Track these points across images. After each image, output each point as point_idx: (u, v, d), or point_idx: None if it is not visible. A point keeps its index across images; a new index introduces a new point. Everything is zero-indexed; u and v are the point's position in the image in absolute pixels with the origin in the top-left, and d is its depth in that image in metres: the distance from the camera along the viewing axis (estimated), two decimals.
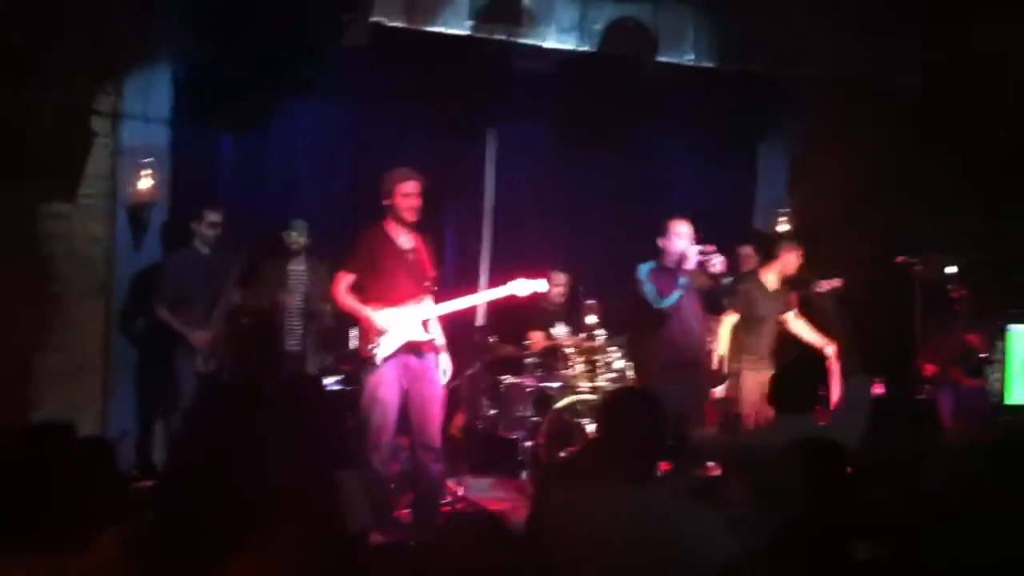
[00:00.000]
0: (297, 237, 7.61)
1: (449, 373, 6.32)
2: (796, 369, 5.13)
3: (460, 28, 7.96)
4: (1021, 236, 8.09)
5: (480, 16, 7.97)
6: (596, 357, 7.63)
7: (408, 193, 6.08)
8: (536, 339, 8.12)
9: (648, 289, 6.69)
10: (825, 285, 8.04)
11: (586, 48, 8.37)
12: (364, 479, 5.20)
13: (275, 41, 7.29)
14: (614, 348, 7.69)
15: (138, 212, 7.39)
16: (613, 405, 3.59)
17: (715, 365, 7.31)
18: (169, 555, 2.99)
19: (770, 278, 7.48)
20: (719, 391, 7.31)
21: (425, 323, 6.11)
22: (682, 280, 6.57)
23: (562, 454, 7.37)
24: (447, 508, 6.76)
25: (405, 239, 6.14)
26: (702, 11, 8.66)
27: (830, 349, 7.29)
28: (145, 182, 7.35)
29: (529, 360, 7.90)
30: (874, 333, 8.24)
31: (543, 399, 7.81)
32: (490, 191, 8.93)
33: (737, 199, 9.68)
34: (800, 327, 7.48)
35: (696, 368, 6.89)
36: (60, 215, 7.14)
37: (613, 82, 8.40)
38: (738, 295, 7.35)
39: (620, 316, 7.46)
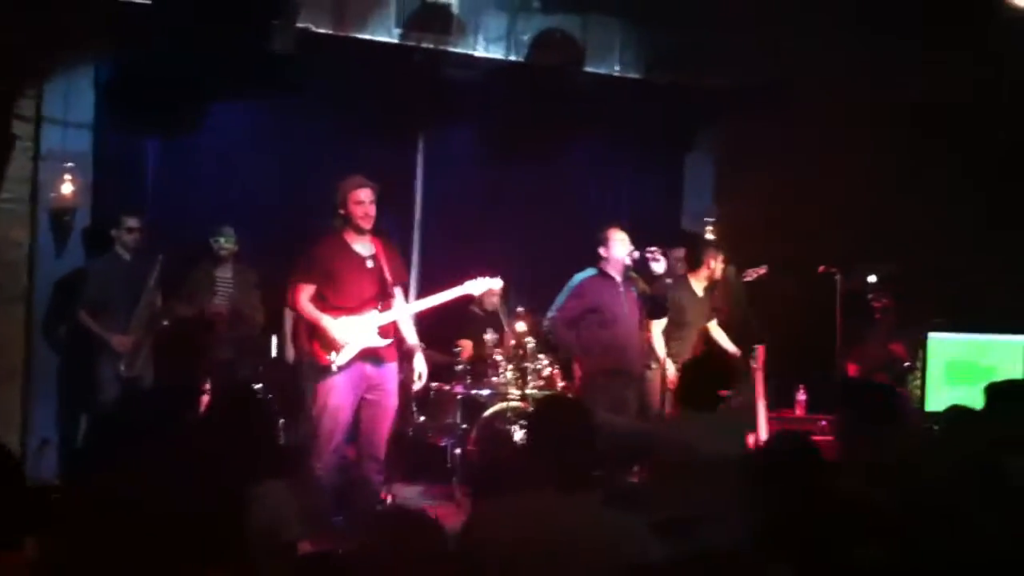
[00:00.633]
0: (225, 244, 7.53)
1: (425, 375, 6.35)
2: (702, 367, 5.18)
3: (388, 36, 7.95)
4: (944, 245, 8.31)
5: (408, 24, 7.96)
6: (526, 364, 7.65)
7: (361, 200, 6.08)
8: (466, 346, 8.11)
9: (554, 304, 6.84)
10: (752, 273, 8.17)
11: (514, 58, 8.40)
12: (299, 487, 5.16)
13: (201, 46, 7.20)
14: (543, 356, 7.72)
15: (60, 217, 7.29)
16: (542, 413, 3.59)
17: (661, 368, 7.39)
18: (90, 563, 2.93)
19: (697, 284, 7.60)
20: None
21: (384, 329, 6.08)
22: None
23: (492, 461, 7.38)
24: None
25: (363, 246, 6.13)
26: (629, 23, 8.75)
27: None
28: (67, 187, 7.26)
29: (459, 367, 7.89)
30: (796, 339, 8.38)
31: (473, 406, 7.80)
32: (419, 199, 8.91)
33: (664, 208, 9.79)
34: (719, 333, 7.64)
35: (632, 374, 6.99)
36: None
37: (541, 92, 8.43)
38: (668, 300, 7.45)
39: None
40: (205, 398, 7.07)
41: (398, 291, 6.29)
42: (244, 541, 3.21)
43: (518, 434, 7.24)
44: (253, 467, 3.57)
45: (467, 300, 7.02)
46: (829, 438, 7.48)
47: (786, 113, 8.42)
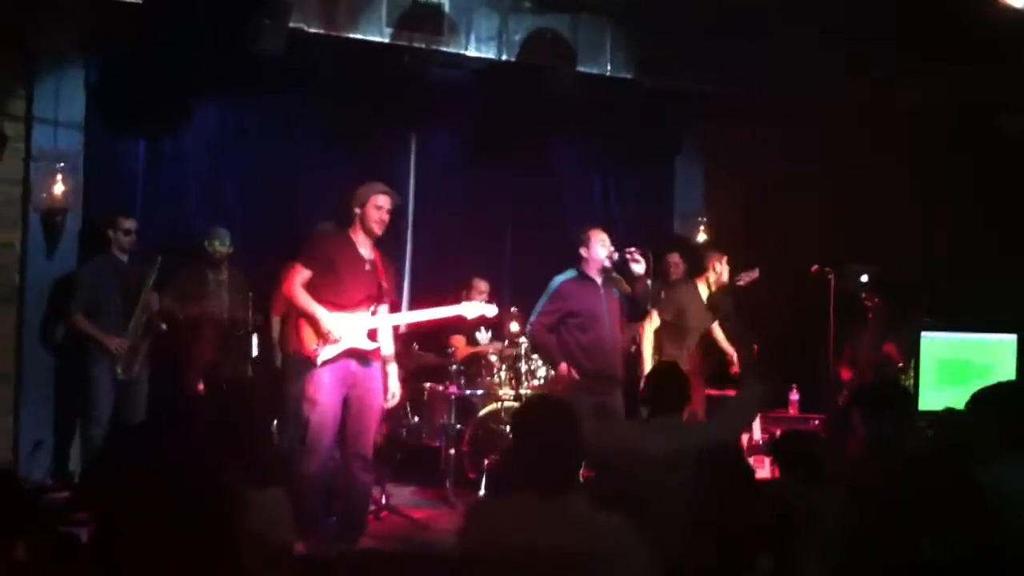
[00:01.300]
0: (220, 247, 7.49)
1: (398, 395, 6.25)
2: (668, 371, 5.18)
3: (379, 36, 7.93)
4: (935, 246, 8.34)
5: (399, 24, 7.94)
6: (519, 365, 7.64)
7: (380, 206, 6.05)
8: (459, 346, 8.10)
9: (536, 309, 6.83)
10: (745, 277, 8.19)
11: (505, 58, 8.40)
12: (293, 486, 5.13)
13: (192, 46, 7.19)
14: (537, 356, 7.71)
15: (51, 218, 7.24)
16: (525, 414, 3.54)
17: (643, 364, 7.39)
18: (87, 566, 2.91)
19: (703, 288, 7.62)
20: None
21: (373, 333, 6.07)
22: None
23: (485, 462, 7.39)
24: (371, 516, 6.71)
25: (366, 250, 6.12)
26: (620, 24, 8.76)
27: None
28: (58, 187, 7.22)
29: (452, 368, 7.87)
30: (789, 339, 8.40)
31: (466, 407, 7.80)
32: (411, 199, 8.90)
33: (655, 209, 9.80)
34: (720, 334, 7.66)
35: (615, 377, 6.96)
36: None
37: (532, 92, 8.44)
38: (667, 301, 7.45)
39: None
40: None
41: (386, 302, 6.27)
42: (238, 547, 3.19)
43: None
44: (248, 469, 3.55)
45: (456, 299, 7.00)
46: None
47: (775, 115, 8.44)
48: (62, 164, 7.25)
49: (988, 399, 3.92)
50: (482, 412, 7.61)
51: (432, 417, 7.92)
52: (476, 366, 7.98)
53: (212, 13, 7.13)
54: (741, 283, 8.19)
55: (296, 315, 6.16)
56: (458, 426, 7.66)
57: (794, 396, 8.11)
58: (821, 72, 8.04)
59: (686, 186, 9.89)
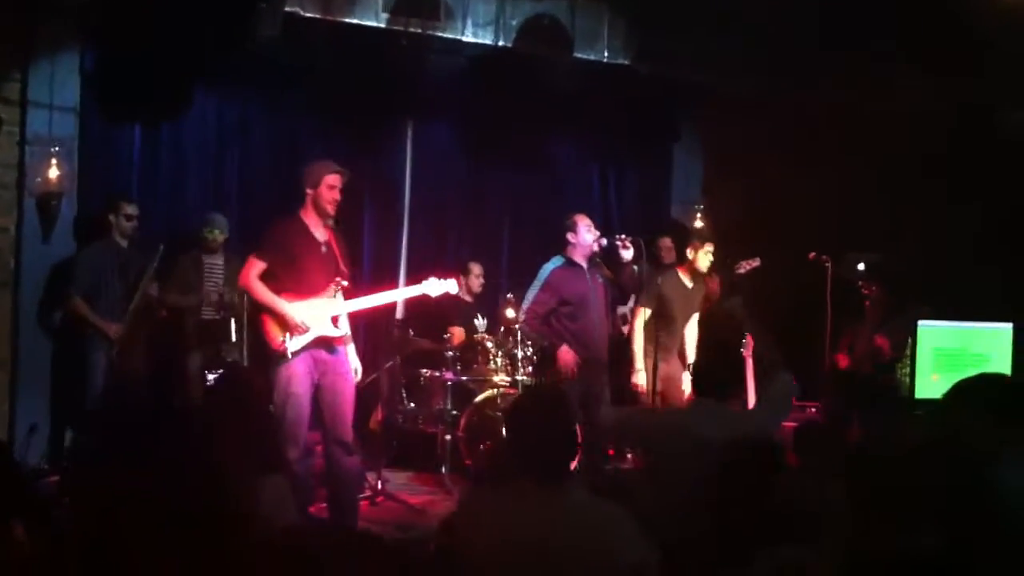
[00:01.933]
0: (217, 234, 7.46)
1: (360, 371, 6.19)
2: (720, 355, 5.15)
3: (376, 20, 7.90)
4: (927, 235, 8.34)
5: (396, 9, 7.90)
6: (515, 351, 7.63)
7: (333, 185, 5.97)
8: (456, 333, 8.09)
9: (527, 298, 6.82)
10: (745, 265, 8.17)
11: (502, 43, 8.36)
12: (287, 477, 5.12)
13: (187, 30, 7.15)
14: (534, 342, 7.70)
15: (46, 202, 7.22)
16: (520, 405, 3.53)
17: (633, 359, 7.37)
18: (84, 549, 2.90)
19: (685, 277, 7.60)
20: (640, 385, 7.34)
21: (336, 319, 6.01)
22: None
23: (481, 448, 7.38)
24: (366, 502, 6.71)
25: (319, 231, 6.04)
26: (617, 9, 8.73)
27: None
28: (53, 172, 7.20)
29: (448, 354, 7.86)
30: (787, 329, 8.39)
31: (463, 393, 7.80)
32: (408, 185, 8.88)
33: (653, 196, 9.79)
34: (692, 332, 7.65)
35: (602, 361, 6.98)
36: None
37: (529, 78, 8.41)
38: (654, 291, 7.44)
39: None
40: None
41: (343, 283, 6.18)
42: (237, 536, 3.18)
43: None
44: (252, 456, 3.54)
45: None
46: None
47: (774, 102, 8.42)
48: (57, 149, 7.22)
49: (973, 391, 3.91)
50: (478, 398, 7.60)
51: (428, 403, 7.92)
52: (472, 352, 7.97)
53: None
54: (741, 271, 8.17)
55: (259, 309, 6.09)
56: (454, 412, 7.66)
57: None
58: (820, 63, 8.04)
59: (684, 174, 9.88)
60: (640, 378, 7.26)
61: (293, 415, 5.83)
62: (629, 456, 7.64)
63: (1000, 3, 7.06)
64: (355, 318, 6.20)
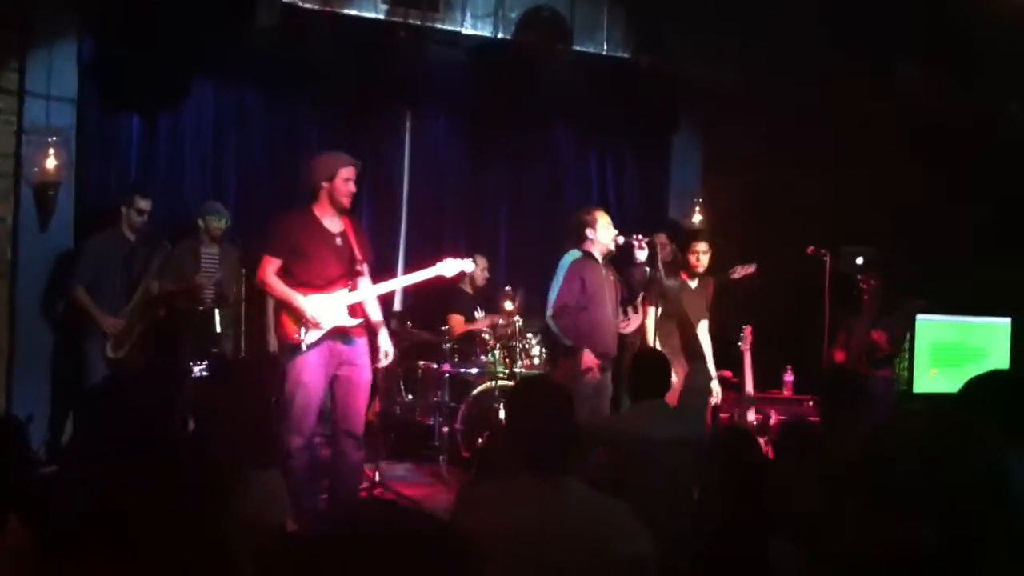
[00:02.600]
0: (216, 223, 7.42)
1: (391, 353, 6.20)
2: (659, 358, 5.22)
3: (374, 12, 7.88)
4: (925, 229, 8.35)
5: (394, 0, 7.89)
6: (514, 343, 7.63)
7: (349, 178, 5.98)
8: (455, 324, 8.09)
9: (553, 290, 6.76)
10: (740, 271, 8.14)
11: (501, 35, 8.35)
12: (284, 467, 5.12)
13: (186, 22, 7.13)
14: (532, 335, 7.71)
15: (43, 192, 7.19)
16: (519, 396, 3.53)
17: None
18: (80, 538, 2.89)
19: (690, 281, 7.60)
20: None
21: (353, 308, 6.02)
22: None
23: (479, 440, 7.38)
24: (364, 494, 6.71)
25: (332, 223, 6.03)
26: (617, 2, 8.71)
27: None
28: (50, 162, 7.17)
29: (447, 346, 7.86)
30: (784, 320, 8.39)
31: (460, 385, 7.80)
32: (406, 177, 8.87)
33: (651, 189, 9.77)
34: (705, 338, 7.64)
35: (611, 357, 6.98)
36: None
37: (528, 70, 8.39)
38: (661, 292, 7.42)
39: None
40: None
41: (365, 269, 6.20)
42: (228, 528, 3.17)
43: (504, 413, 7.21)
44: (248, 451, 3.53)
45: (457, 278, 6.94)
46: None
47: (773, 95, 8.41)
48: (54, 138, 7.19)
49: (984, 388, 3.91)
50: (476, 390, 7.60)
51: (426, 395, 7.93)
52: (470, 344, 7.97)
53: None
54: (736, 276, 8.11)
55: (276, 304, 6.12)
56: (452, 404, 7.66)
57: (788, 378, 8.11)
58: (819, 56, 8.04)
59: (682, 166, 9.86)
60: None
61: (301, 404, 5.85)
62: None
63: (1000, 1, 7.07)
64: (352, 310, 6.18)
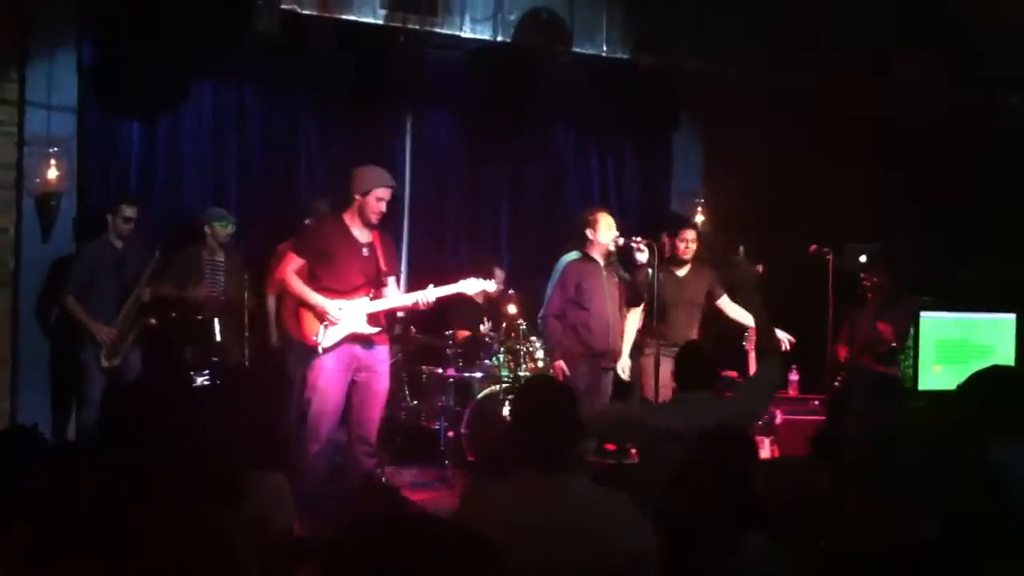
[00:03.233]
0: (221, 229, 7.42)
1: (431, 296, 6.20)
2: (698, 348, 5.21)
3: (373, 17, 7.89)
4: (929, 226, 8.33)
5: (393, 5, 7.89)
6: (518, 347, 7.62)
7: (382, 198, 6.04)
8: (459, 332, 8.08)
9: (548, 292, 6.92)
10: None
11: (501, 38, 8.35)
12: (295, 470, 5.12)
13: (185, 27, 7.13)
14: (536, 338, 7.69)
15: (45, 202, 7.20)
16: (524, 393, 3.55)
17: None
18: (80, 538, 2.89)
19: (673, 268, 7.55)
20: (624, 375, 7.31)
21: (373, 317, 6.04)
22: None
23: (483, 444, 7.37)
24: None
25: (361, 233, 6.09)
26: (616, 3, 8.71)
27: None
28: (52, 172, 7.18)
29: (450, 350, 7.85)
30: (789, 320, 8.37)
31: (465, 389, 7.79)
32: (407, 181, 8.87)
33: (653, 189, 9.77)
34: (729, 306, 7.55)
35: (610, 356, 7.00)
36: None
37: (528, 72, 8.39)
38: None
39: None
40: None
41: (391, 280, 6.25)
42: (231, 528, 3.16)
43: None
44: (253, 454, 3.52)
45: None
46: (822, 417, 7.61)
47: (774, 94, 8.40)
48: (55, 148, 7.20)
49: (986, 382, 3.90)
50: (480, 394, 7.58)
51: (431, 399, 7.91)
52: (474, 348, 7.96)
53: None
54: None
55: (295, 302, 6.15)
56: (457, 408, 7.65)
57: (793, 377, 8.09)
58: (820, 53, 8.03)
59: (683, 166, 9.86)
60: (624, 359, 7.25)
61: (317, 409, 5.88)
62: (633, 451, 7.62)
63: None
64: (373, 319, 6.17)
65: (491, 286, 6.59)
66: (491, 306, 8.30)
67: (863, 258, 8.07)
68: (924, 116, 8.09)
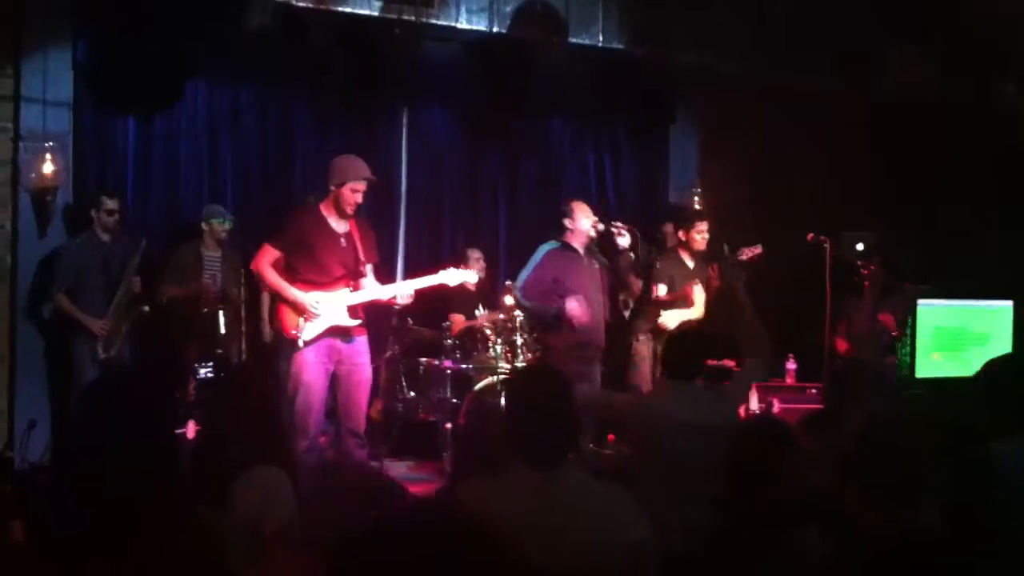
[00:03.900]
0: (218, 225, 7.44)
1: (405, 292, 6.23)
2: (684, 337, 5.19)
3: (369, 9, 7.86)
4: (926, 215, 8.34)
5: None
6: (515, 338, 7.62)
7: (357, 189, 6.02)
8: (456, 321, 8.08)
9: (524, 271, 6.93)
10: (747, 252, 8.14)
11: (497, 30, 8.32)
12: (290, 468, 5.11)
13: (180, 22, 7.12)
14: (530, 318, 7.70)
15: (41, 198, 7.20)
16: (518, 386, 3.53)
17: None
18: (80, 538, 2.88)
19: (685, 257, 7.60)
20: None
21: (353, 309, 6.02)
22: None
23: (479, 437, 7.36)
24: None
25: (338, 223, 6.07)
26: None
27: None
28: (47, 167, 7.18)
29: (448, 342, 7.85)
30: (786, 310, 8.38)
31: (462, 381, 7.79)
32: (404, 174, 8.86)
33: (650, 180, 9.76)
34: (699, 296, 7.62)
35: (595, 345, 7.00)
36: None
37: (524, 64, 8.38)
38: (658, 273, 7.43)
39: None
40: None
41: (370, 270, 6.22)
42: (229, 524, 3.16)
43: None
44: (250, 449, 3.52)
45: None
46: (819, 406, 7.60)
47: (770, 85, 8.39)
48: (51, 144, 7.20)
49: (1003, 371, 3.89)
50: (478, 386, 7.58)
51: (428, 392, 7.91)
52: (471, 340, 7.96)
53: None
54: (743, 258, 8.12)
55: (274, 298, 6.13)
56: (454, 400, 7.65)
57: (791, 366, 8.09)
58: (816, 44, 8.03)
59: (680, 157, 9.86)
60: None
61: (303, 404, 5.86)
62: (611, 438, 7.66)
63: None
64: (353, 310, 6.17)
65: (472, 276, 6.55)
66: (483, 292, 8.30)
67: (860, 246, 8.07)
68: (921, 103, 8.10)
